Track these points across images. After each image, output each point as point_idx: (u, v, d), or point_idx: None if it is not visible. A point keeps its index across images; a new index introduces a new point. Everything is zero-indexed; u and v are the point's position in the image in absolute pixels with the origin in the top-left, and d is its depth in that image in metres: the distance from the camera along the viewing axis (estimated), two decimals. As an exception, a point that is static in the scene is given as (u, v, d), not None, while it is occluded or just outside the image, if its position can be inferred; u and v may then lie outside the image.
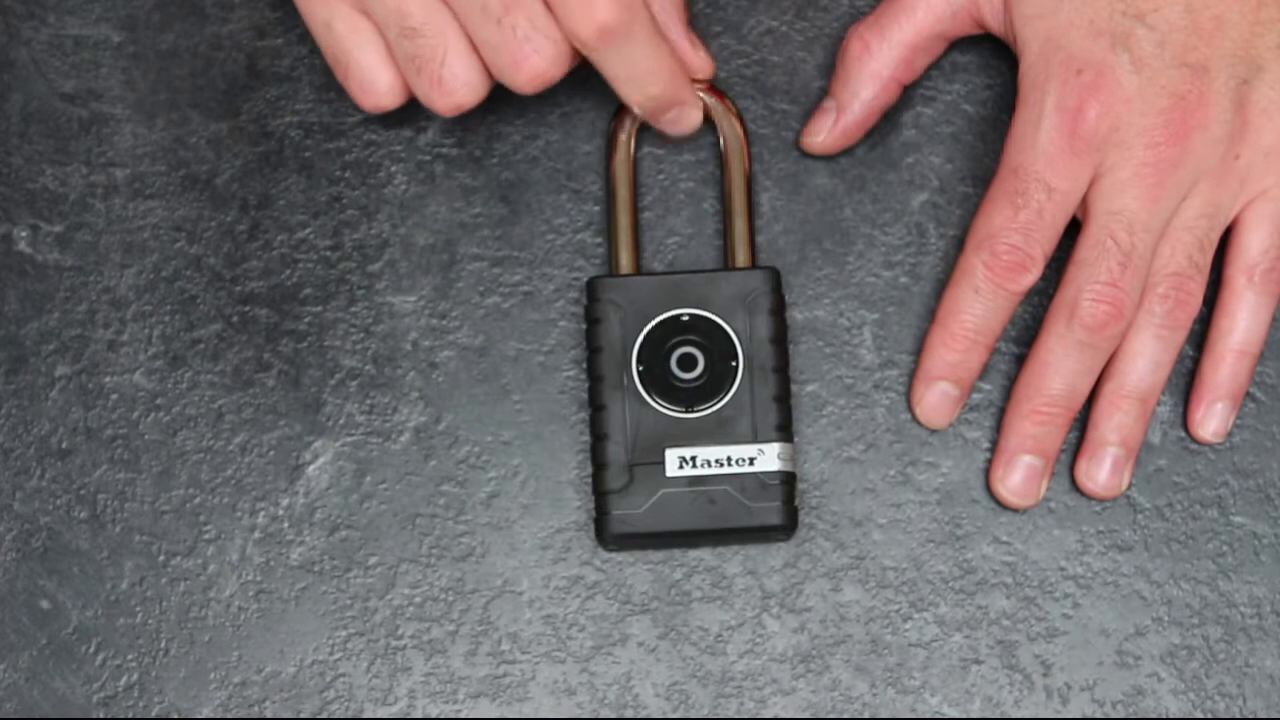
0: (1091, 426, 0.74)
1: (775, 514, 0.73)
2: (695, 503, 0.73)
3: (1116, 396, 0.74)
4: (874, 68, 0.75)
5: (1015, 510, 0.75)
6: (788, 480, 0.73)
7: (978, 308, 0.73)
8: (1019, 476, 0.74)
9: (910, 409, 0.76)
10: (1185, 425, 0.76)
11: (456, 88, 0.71)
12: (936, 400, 0.75)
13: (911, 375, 0.76)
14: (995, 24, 0.75)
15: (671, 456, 0.73)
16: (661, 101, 0.73)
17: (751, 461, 0.73)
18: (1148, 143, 0.71)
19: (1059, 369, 0.73)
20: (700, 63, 0.75)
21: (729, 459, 0.73)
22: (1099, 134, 0.71)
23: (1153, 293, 0.73)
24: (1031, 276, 0.72)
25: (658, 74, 0.72)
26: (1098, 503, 0.75)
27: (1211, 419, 0.75)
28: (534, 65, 0.70)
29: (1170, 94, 0.71)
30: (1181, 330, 0.73)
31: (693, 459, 0.73)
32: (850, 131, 0.76)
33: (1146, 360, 0.73)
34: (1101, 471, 0.74)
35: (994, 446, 0.75)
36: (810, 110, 0.77)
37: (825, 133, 0.76)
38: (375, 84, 0.73)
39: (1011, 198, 0.72)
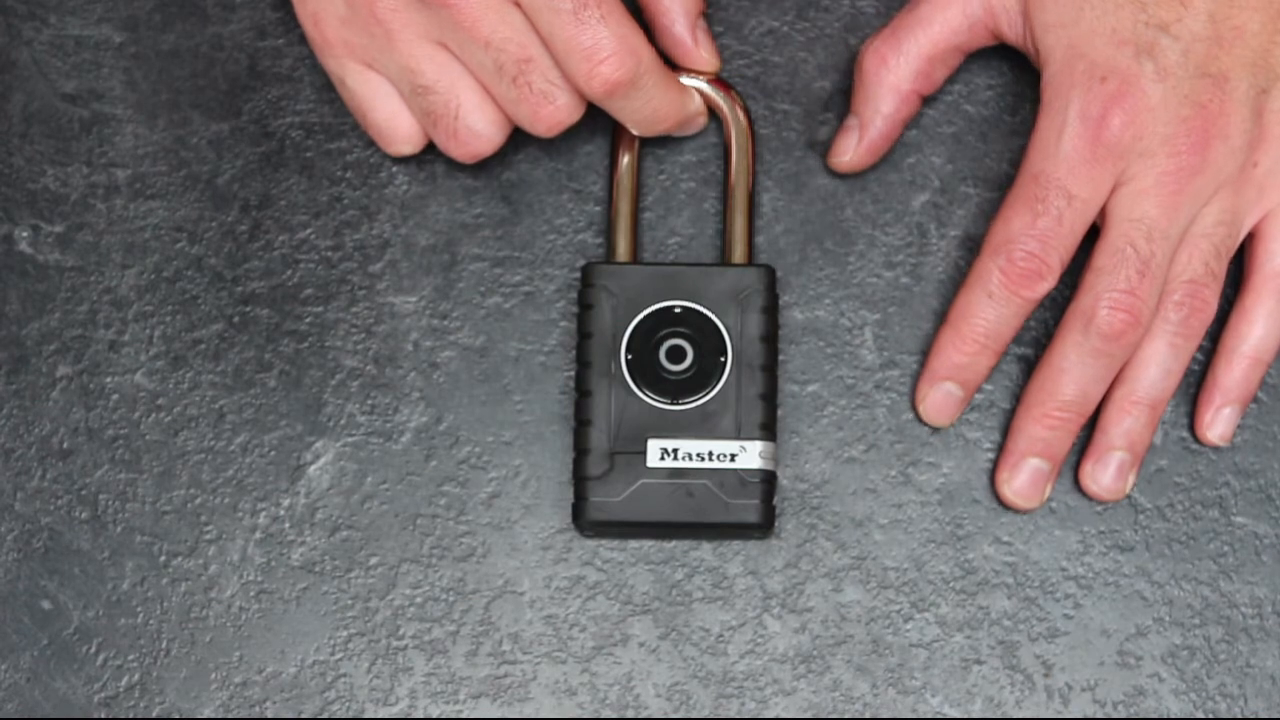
0: (1100, 430, 0.74)
1: (753, 512, 0.73)
2: (674, 495, 0.73)
3: (1127, 402, 0.74)
4: (892, 81, 0.75)
5: (1019, 512, 0.75)
6: (768, 479, 0.73)
7: (990, 313, 0.73)
8: (1025, 479, 0.74)
9: (913, 407, 0.76)
10: (1190, 426, 0.76)
11: (472, 139, 0.73)
12: (940, 400, 0.75)
13: (913, 375, 0.76)
14: (1013, 35, 0.74)
15: (654, 447, 0.73)
16: (672, 130, 0.75)
17: (733, 458, 0.73)
18: (1170, 151, 0.71)
19: (1073, 375, 0.73)
20: (702, 60, 0.75)
21: (710, 454, 0.73)
22: (1122, 142, 0.71)
23: (1168, 299, 0.73)
24: (1047, 284, 0.72)
25: (667, 114, 0.74)
26: (1099, 503, 0.75)
27: (1219, 423, 0.75)
28: (551, 116, 0.72)
29: (1193, 103, 0.71)
30: (1195, 338, 0.73)
31: (674, 451, 0.73)
32: (876, 146, 0.76)
33: (1159, 367, 0.73)
34: (1106, 475, 0.74)
35: (996, 447, 0.75)
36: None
37: (851, 151, 0.76)
38: (393, 135, 0.74)
39: (1031, 204, 0.72)
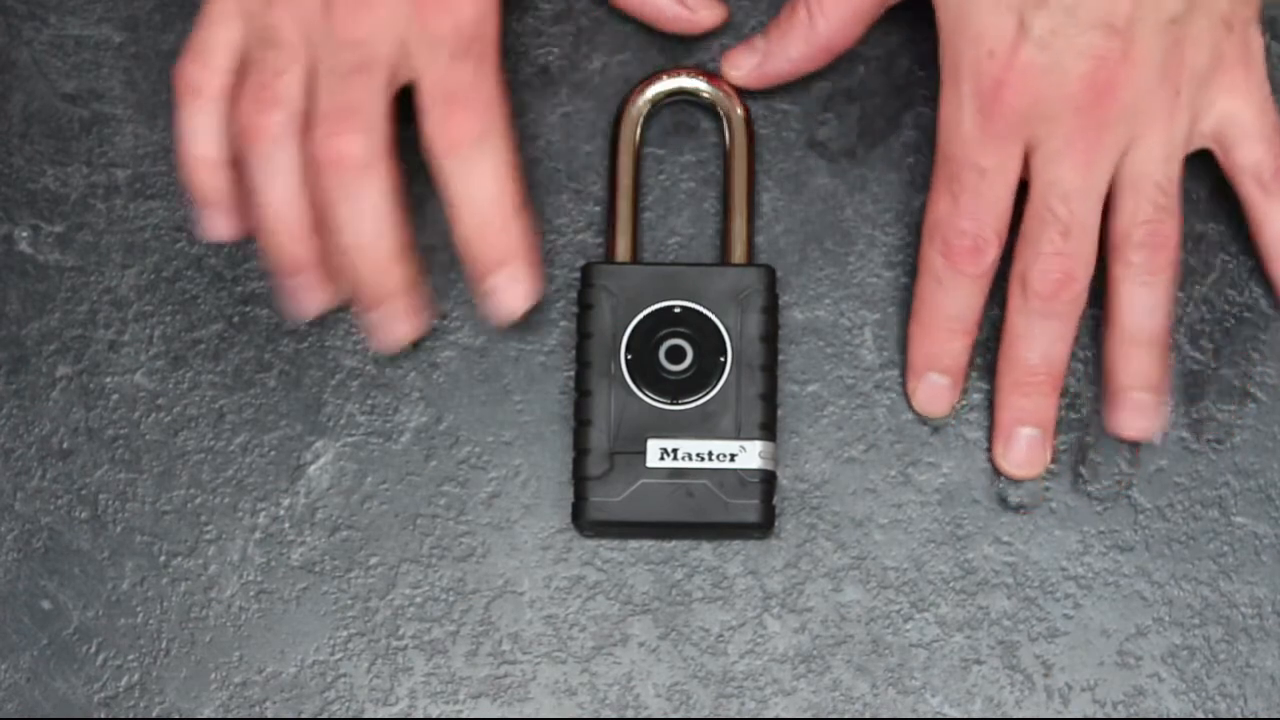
0: (1110, 377, 0.74)
1: (753, 512, 0.73)
2: (674, 495, 0.73)
3: (1124, 345, 0.73)
4: (809, 34, 0.75)
5: (1020, 481, 0.75)
6: (768, 479, 0.73)
7: (945, 298, 0.73)
8: (1020, 448, 0.74)
9: (908, 403, 0.76)
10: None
11: (277, 102, 0.70)
12: (929, 391, 0.75)
13: (912, 375, 0.76)
14: None
15: (653, 447, 0.73)
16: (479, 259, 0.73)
17: (733, 458, 0.73)
18: (1074, 109, 0.71)
19: (1028, 340, 0.73)
20: (705, 20, 0.76)
21: (710, 453, 0.73)
22: (1018, 111, 0.71)
23: (1127, 245, 0.72)
24: (989, 257, 0.72)
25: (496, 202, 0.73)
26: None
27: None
28: (343, 147, 0.71)
29: (1090, 57, 0.70)
30: (1165, 272, 0.73)
31: (674, 451, 0.73)
32: (767, 79, 0.76)
33: (1140, 307, 0.73)
34: (1133, 416, 0.74)
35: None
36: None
37: (746, 70, 0.76)
38: (205, 55, 0.72)
39: (948, 185, 0.72)
